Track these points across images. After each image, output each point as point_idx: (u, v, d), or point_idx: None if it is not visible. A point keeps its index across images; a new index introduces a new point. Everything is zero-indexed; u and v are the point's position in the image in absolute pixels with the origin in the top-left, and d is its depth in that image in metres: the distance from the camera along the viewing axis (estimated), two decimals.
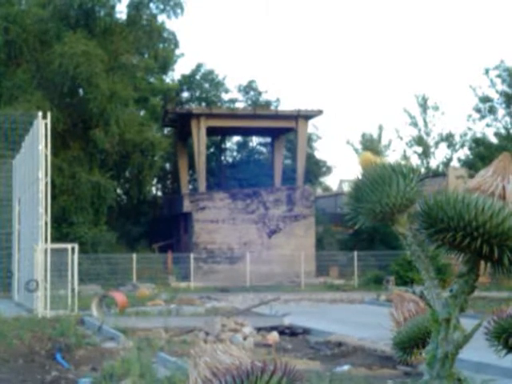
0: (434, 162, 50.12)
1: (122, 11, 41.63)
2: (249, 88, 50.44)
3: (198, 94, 49.04)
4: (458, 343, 1.31)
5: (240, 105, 49.13)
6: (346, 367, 11.01)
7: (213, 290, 31.53)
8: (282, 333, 15.25)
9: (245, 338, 13.74)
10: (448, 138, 49.02)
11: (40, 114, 20.36)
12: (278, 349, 13.21)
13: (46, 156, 19.87)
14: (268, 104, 49.39)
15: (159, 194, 48.20)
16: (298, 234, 37.82)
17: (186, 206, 37.85)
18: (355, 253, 36.07)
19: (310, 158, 46.68)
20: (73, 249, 21.17)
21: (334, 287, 33.00)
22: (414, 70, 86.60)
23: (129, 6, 40.03)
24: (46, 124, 19.83)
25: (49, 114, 20.07)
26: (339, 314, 20.65)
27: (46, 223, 19.63)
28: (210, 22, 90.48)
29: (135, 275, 33.28)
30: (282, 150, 43.65)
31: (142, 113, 42.39)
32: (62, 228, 33.38)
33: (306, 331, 15.94)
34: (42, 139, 19.84)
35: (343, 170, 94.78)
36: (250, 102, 49.64)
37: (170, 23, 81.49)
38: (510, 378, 9.61)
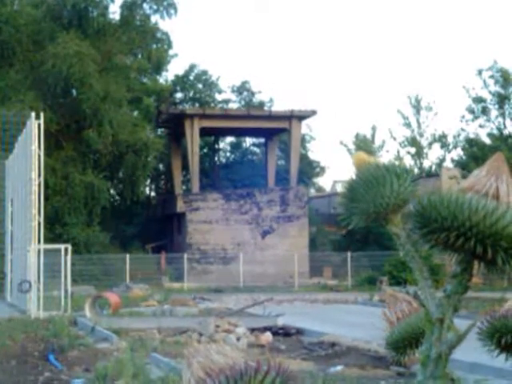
0: (427, 163, 50.21)
1: (115, 12, 41.65)
2: (242, 88, 50.42)
3: (191, 94, 49.01)
4: (452, 343, 1.31)
5: (233, 105, 49.14)
6: (339, 367, 11.01)
7: (206, 290, 31.51)
8: (275, 333, 15.25)
9: (238, 339, 13.73)
10: (441, 139, 49.11)
11: (33, 114, 20.32)
12: (272, 349, 13.21)
13: (39, 156, 19.83)
14: (261, 104, 49.39)
15: (153, 194, 48.15)
16: (291, 235, 37.83)
17: (180, 206, 37.82)
18: (349, 253, 36.10)
19: (304, 158, 46.68)
20: (66, 249, 21.12)
21: (328, 288, 33.01)
22: (408, 70, 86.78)
23: (122, 7, 39.98)
24: (39, 124, 19.78)
25: (42, 115, 20.03)
26: (333, 315, 20.67)
27: (39, 224, 19.59)
28: (204, 22, 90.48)
29: (128, 276, 33.24)
30: (276, 151, 43.65)
31: (136, 113, 42.35)
32: (55, 229, 33.32)
33: (300, 332, 15.95)
34: (34, 139, 19.79)
35: (337, 171, 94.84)
36: (243, 103, 49.64)
37: (164, 24, 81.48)
38: (502, 377, 9.63)
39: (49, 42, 35.55)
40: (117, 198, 43.93)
